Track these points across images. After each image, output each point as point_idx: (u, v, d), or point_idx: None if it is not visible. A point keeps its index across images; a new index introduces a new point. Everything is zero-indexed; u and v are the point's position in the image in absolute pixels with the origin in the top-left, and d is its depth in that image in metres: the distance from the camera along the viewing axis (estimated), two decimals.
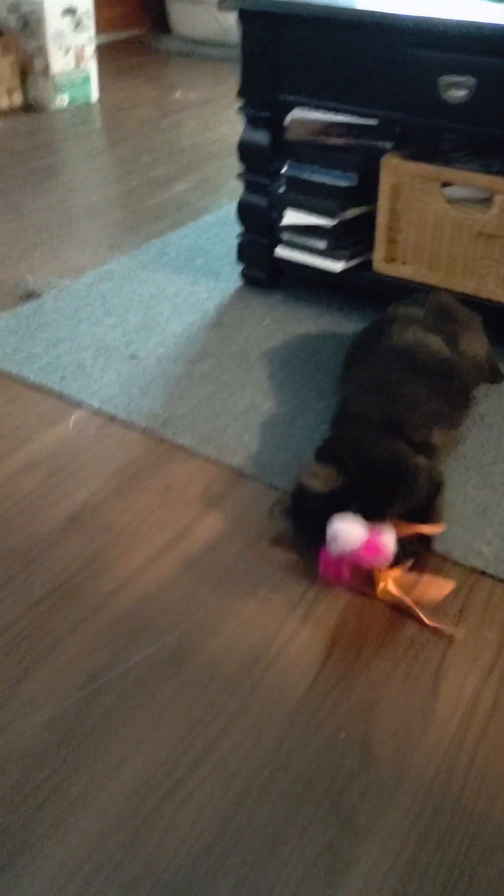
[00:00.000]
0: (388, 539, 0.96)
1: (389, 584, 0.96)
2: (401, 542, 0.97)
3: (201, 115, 2.68)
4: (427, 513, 1.02)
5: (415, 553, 1.00)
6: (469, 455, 1.19)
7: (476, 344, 1.25)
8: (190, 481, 1.15)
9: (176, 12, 3.56)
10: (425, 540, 1.02)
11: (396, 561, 0.97)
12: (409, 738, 0.82)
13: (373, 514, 0.96)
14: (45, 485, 1.14)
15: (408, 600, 0.95)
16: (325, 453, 1.03)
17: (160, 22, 3.66)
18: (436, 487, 1.03)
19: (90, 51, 2.75)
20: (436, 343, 1.18)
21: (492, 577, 0.99)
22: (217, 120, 2.63)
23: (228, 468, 1.17)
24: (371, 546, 0.95)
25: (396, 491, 0.99)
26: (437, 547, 1.03)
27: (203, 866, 0.72)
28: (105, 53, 3.37)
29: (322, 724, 0.83)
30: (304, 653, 0.91)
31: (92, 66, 2.77)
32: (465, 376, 1.19)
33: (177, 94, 2.89)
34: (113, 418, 1.26)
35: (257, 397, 1.31)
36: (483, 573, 1.00)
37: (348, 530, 0.95)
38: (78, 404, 1.29)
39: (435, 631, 0.93)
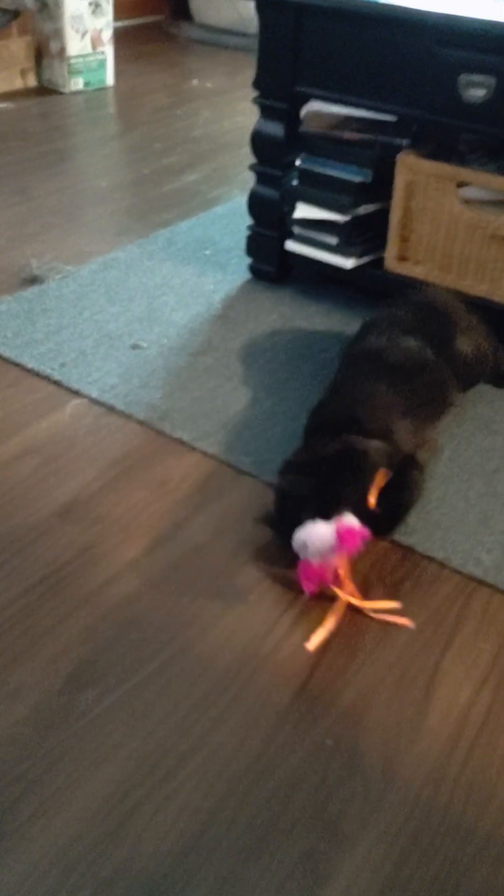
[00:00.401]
0: (354, 520, 0.95)
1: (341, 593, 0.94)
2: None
3: (217, 105, 2.65)
4: (401, 490, 1.02)
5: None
6: (473, 461, 1.17)
7: (469, 343, 1.23)
8: (186, 476, 1.13)
9: (197, 0, 3.52)
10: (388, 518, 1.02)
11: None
12: (398, 746, 0.81)
13: (328, 506, 0.95)
14: (38, 473, 1.12)
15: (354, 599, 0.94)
16: (289, 466, 1.04)
17: (181, 9, 3.62)
18: (402, 465, 1.03)
19: (107, 35, 2.71)
20: (410, 344, 1.18)
21: (490, 585, 0.98)
22: (233, 109, 2.59)
23: (226, 465, 1.15)
24: (346, 533, 0.93)
25: (345, 475, 0.99)
26: (437, 553, 1.01)
27: (180, 868, 0.71)
28: (123, 38, 3.34)
29: (309, 730, 0.82)
30: (294, 657, 0.89)
31: (109, 51, 2.74)
32: (440, 375, 1.17)
33: (193, 83, 2.85)
34: (111, 408, 1.25)
35: (260, 393, 1.30)
36: (481, 582, 0.98)
37: (315, 531, 0.94)
38: (76, 393, 1.28)
39: (382, 622, 0.93)
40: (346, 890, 0.70)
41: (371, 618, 0.93)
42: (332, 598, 0.94)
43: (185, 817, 0.74)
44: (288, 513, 0.98)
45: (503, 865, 0.71)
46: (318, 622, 0.92)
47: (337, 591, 0.94)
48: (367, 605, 0.94)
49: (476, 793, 0.77)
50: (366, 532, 0.95)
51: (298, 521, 0.96)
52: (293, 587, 0.97)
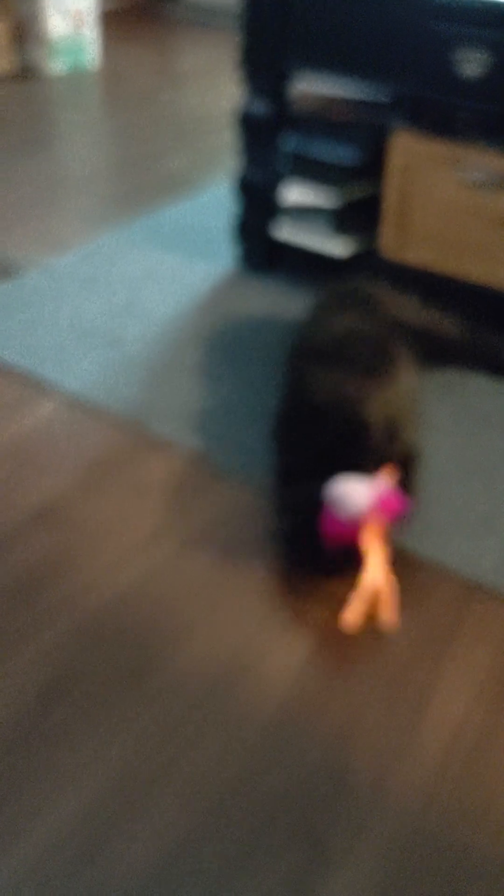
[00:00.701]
0: (395, 487, 0.91)
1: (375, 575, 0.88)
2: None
3: (205, 87, 2.57)
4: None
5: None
6: (472, 459, 1.11)
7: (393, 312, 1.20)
8: (167, 476, 1.07)
9: None
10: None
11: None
12: (389, 762, 0.75)
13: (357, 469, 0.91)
14: (13, 476, 1.06)
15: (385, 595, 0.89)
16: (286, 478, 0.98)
17: None
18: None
19: (91, 16, 2.63)
20: (336, 322, 1.16)
21: (489, 590, 0.92)
22: (221, 92, 2.52)
23: (208, 463, 1.09)
24: (387, 499, 0.88)
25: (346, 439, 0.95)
26: (435, 555, 0.96)
27: (156, 890, 0.65)
28: (112, 20, 3.25)
29: (295, 745, 0.76)
30: (281, 667, 0.83)
31: (92, 32, 2.65)
32: (373, 337, 1.13)
33: (181, 64, 2.77)
34: (90, 406, 1.18)
35: (244, 389, 1.23)
36: (480, 586, 0.93)
37: (354, 489, 0.88)
38: (54, 390, 1.21)
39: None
40: None
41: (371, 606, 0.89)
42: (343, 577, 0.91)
43: (163, 837, 0.69)
44: (305, 527, 0.92)
45: (497, 889, 0.66)
46: (305, 632, 0.87)
47: (367, 557, 0.89)
48: (386, 591, 0.89)
49: (470, 811, 0.72)
50: (407, 501, 0.91)
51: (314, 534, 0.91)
52: (278, 593, 0.91)
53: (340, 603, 0.91)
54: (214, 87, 2.56)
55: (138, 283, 1.49)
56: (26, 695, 0.80)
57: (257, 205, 1.45)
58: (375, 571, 0.88)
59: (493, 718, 0.79)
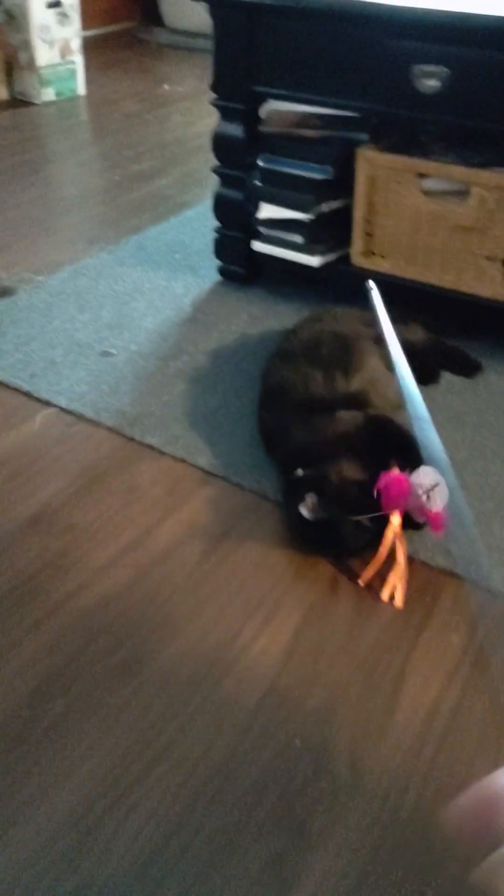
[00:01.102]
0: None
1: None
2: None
3: (188, 108, 2.65)
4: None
5: None
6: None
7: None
8: (156, 481, 1.13)
9: (167, 4, 3.52)
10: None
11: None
12: (367, 744, 0.80)
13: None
14: (8, 484, 1.12)
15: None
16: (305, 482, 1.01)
17: (152, 14, 3.63)
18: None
19: (76, 44, 2.72)
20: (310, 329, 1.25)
21: (460, 577, 0.97)
22: (203, 112, 2.59)
23: (195, 468, 1.15)
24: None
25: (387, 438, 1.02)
26: (408, 546, 1.01)
27: (148, 876, 0.70)
28: (94, 46, 3.34)
29: (277, 732, 0.81)
30: (262, 658, 0.88)
31: (78, 60, 2.74)
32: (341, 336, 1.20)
33: (165, 87, 2.86)
34: (81, 417, 1.24)
35: (229, 395, 1.29)
36: (451, 574, 0.98)
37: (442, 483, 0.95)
38: (46, 402, 1.27)
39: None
40: (314, 892, 0.69)
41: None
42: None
43: (152, 826, 0.74)
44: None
45: (474, 863, 0.71)
46: (287, 623, 0.92)
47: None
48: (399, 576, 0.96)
49: (445, 789, 0.76)
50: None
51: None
52: (262, 588, 0.97)
53: (320, 595, 0.96)
54: (198, 108, 2.64)
55: (126, 298, 1.55)
56: (23, 693, 0.85)
57: (235, 221, 1.52)
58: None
59: (466, 699, 0.84)
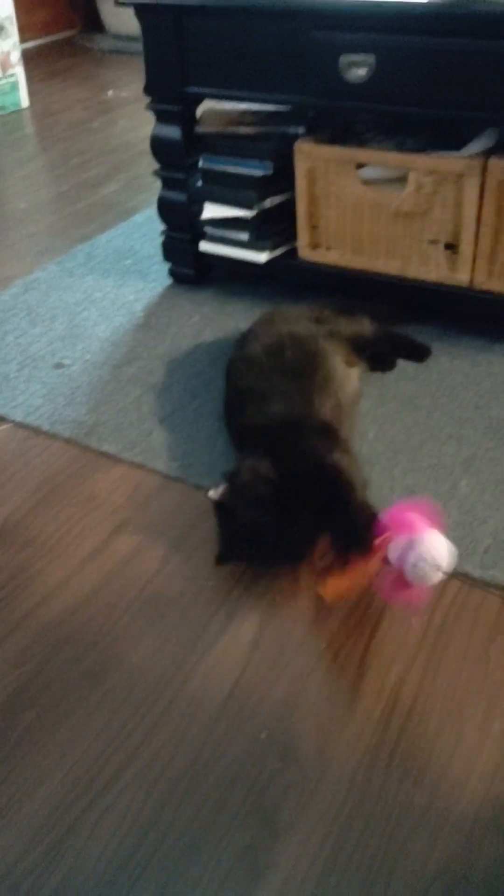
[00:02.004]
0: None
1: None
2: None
3: (133, 113, 2.64)
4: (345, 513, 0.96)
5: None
6: (398, 439, 1.18)
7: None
8: (114, 489, 1.13)
9: (107, 11, 3.51)
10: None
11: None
12: (332, 730, 0.81)
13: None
14: None
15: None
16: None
17: (92, 21, 3.61)
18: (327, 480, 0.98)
19: (16, 56, 2.70)
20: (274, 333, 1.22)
21: None
22: (148, 117, 2.58)
23: (154, 473, 1.15)
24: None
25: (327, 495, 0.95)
26: None
27: (123, 876, 0.71)
28: (36, 57, 3.32)
29: (244, 726, 0.82)
30: (227, 655, 0.89)
31: (19, 72, 2.72)
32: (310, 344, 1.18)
33: (108, 94, 2.85)
34: (37, 430, 1.24)
35: (184, 397, 1.29)
36: None
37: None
38: (2, 418, 1.27)
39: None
40: (286, 881, 0.70)
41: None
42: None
43: (125, 827, 0.74)
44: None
45: (439, 838, 0.72)
46: (249, 619, 0.93)
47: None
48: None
49: (410, 768, 0.78)
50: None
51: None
52: (223, 586, 0.97)
53: (281, 588, 0.97)
54: (142, 113, 2.62)
55: (77, 308, 1.55)
56: None
57: (180, 223, 1.52)
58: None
59: (427, 681, 0.85)
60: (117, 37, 3.49)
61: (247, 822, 0.74)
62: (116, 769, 0.79)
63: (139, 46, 1.43)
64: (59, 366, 1.39)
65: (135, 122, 2.56)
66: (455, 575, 0.96)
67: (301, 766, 0.78)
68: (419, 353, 1.33)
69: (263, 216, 1.43)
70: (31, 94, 2.79)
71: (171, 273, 1.60)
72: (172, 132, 1.44)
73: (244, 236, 1.45)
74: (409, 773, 0.77)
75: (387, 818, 0.74)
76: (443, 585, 0.95)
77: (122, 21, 3.45)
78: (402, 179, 1.32)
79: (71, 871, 0.71)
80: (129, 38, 3.41)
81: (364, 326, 1.30)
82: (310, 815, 0.74)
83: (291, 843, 0.72)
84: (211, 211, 1.45)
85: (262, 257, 1.45)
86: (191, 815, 0.75)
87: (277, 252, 1.46)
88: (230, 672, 0.87)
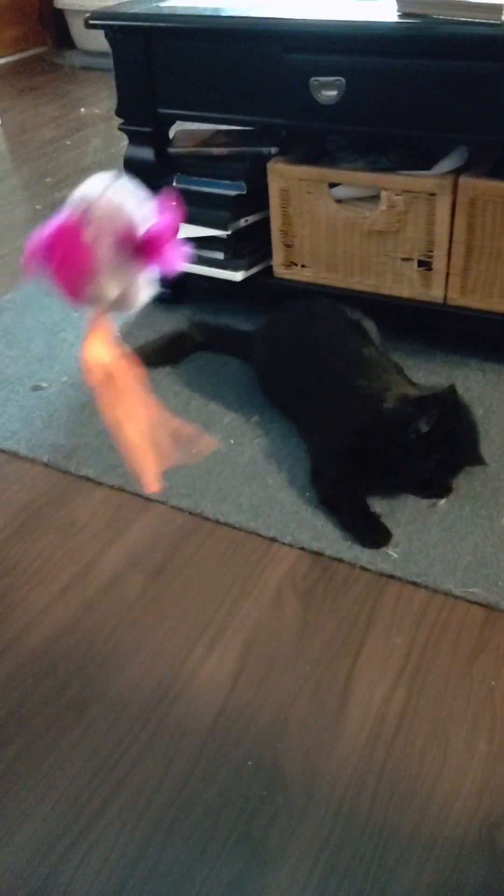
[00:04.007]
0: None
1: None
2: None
3: (106, 131, 2.64)
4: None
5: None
6: None
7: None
8: (94, 513, 1.12)
9: (77, 27, 3.51)
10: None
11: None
12: (318, 756, 0.81)
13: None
14: None
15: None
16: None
17: (63, 38, 3.61)
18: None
19: None
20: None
21: (400, 579, 0.99)
22: (121, 134, 2.59)
23: (134, 495, 1.14)
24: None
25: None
26: (345, 555, 1.02)
27: None
28: (7, 75, 3.32)
29: (230, 754, 0.82)
30: (211, 681, 0.89)
31: None
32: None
33: (81, 111, 2.85)
34: (14, 454, 1.23)
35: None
36: (391, 576, 0.99)
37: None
38: None
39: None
40: None
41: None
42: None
43: (112, 861, 0.73)
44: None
45: (428, 863, 0.72)
46: (233, 643, 0.92)
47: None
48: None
49: (397, 793, 0.78)
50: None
51: None
52: (207, 610, 0.97)
53: (264, 612, 0.96)
54: (115, 129, 2.64)
55: (55, 329, 1.54)
56: None
57: None
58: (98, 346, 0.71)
59: (411, 702, 0.85)
60: (88, 53, 3.49)
61: (235, 853, 0.73)
62: (101, 803, 0.78)
63: (111, 63, 1.43)
64: (36, 388, 1.38)
65: (108, 140, 2.56)
66: (437, 592, 0.97)
67: (288, 793, 0.78)
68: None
69: (238, 235, 1.44)
70: (2, 111, 2.78)
71: None
72: (145, 153, 1.44)
73: (219, 255, 1.45)
74: (395, 798, 0.77)
75: (375, 844, 0.74)
76: (426, 603, 0.96)
77: (93, 37, 3.45)
78: (374, 197, 1.33)
79: None
80: (101, 55, 3.41)
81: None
82: (298, 842, 0.74)
83: (281, 873, 0.72)
84: (186, 231, 1.45)
85: (237, 276, 1.45)
86: (178, 848, 0.74)
87: (253, 270, 1.47)
88: (215, 699, 0.87)
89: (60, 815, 0.77)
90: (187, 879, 0.72)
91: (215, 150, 1.42)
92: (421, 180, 1.26)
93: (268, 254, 1.46)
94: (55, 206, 2.10)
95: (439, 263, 1.31)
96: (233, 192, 1.40)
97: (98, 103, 2.91)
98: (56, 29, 3.62)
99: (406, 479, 1.07)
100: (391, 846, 0.73)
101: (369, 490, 1.10)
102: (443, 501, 1.08)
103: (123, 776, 0.80)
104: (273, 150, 1.41)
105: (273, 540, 1.05)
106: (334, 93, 1.24)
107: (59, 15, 3.54)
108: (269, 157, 1.39)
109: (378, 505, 1.09)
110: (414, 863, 0.72)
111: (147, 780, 0.80)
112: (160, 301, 1.59)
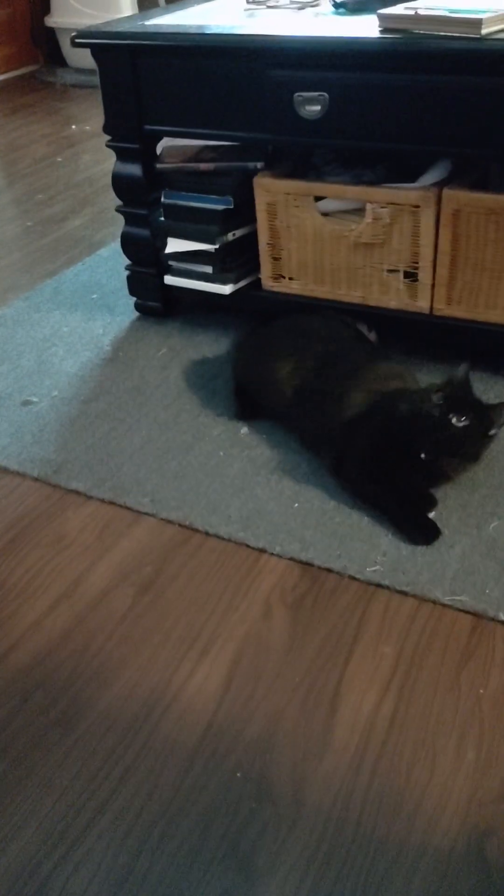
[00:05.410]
0: None
1: None
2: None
3: (97, 147, 2.67)
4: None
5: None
6: None
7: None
8: (84, 527, 1.12)
9: (68, 45, 3.55)
10: None
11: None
12: (307, 768, 0.81)
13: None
14: None
15: None
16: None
17: (54, 55, 3.65)
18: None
19: None
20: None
21: (387, 588, 0.99)
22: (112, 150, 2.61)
23: (124, 508, 1.15)
24: None
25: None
26: (334, 565, 1.03)
27: None
28: (1, 92, 3.35)
29: (219, 767, 0.81)
30: (200, 693, 0.89)
31: None
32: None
33: (72, 128, 2.87)
34: (4, 470, 1.23)
35: (153, 430, 1.30)
36: (379, 585, 1.00)
37: None
38: None
39: None
40: None
41: None
42: None
43: (101, 876, 0.73)
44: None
45: (417, 873, 0.72)
46: (222, 656, 0.92)
47: None
48: None
49: (385, 804, 0.77)
50: None
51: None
52: (196, 623, 0.97)
53: (253, 623, 0.97)
54: (105, 145, 2.66)
55: (44, 344, 1.55)
56: None
57: (144, 257, 1.53)
58: None
59: (400, 712, 0.85)
60: (80, 70, 3.53)
61: (224, 867, 0.73)
62: (90, 817, 0.78)
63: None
64: (26, 403, 1.39)
65: (99, 156, 2.58)
66: (425, 600, 0.97)
67: (277, 806, 0.78)
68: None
69: (226, 249, 1.45)
70: None
71: (138, 307, 1.61)
72: (133, 169, 1.46)
73: (208, 269, 1.46)
74: (384, 809, 0.77)
75: (364, 855, 0.74)
76: (414, 612, 0.96)
77: (84, 54, 3.48)
78: (360, 210, 1.34)
79: None
80: (92, 72, 3.44)
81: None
82: (287, 855, 0.74)
83: (270, 886, 0.72)
84: (174, 245, 1.46)
85: (226, 289, 1.46)
86: (167, 863, 0.74)
87: (241, 283, 1.48)
88: (204, 711, 0.87)
89: (49, 830, 0.77)
90: (176, 894, 0.71)
91: (202, 166, 1.43)
92: (405, 193, 1.28)
93: (256, 267, 1.47)
94: (46, 222, 2.12)
95: (425, 274, 1.32)
96: (220, 207, 1.41)
97: (89, 120, 2.93)
98: (47, 47, 3.66)
99: (436, 455, 1.08)
100: (380, 857, 0.73)
101: (399, 484, 1.11)
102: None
103: (113, 790, 0.80)
104: (259, 164, 1.42)
105: (262, 551, 1.05)
106: (318, 108, 1.25)
107: (51, 33, 3.58)
108: (255, 171, 1.40)
109: (364, 514, 1.09)
110: (403, 874, 0.72)
111: (136, 793, 0.79)
112: (150, 314, 1.61)
